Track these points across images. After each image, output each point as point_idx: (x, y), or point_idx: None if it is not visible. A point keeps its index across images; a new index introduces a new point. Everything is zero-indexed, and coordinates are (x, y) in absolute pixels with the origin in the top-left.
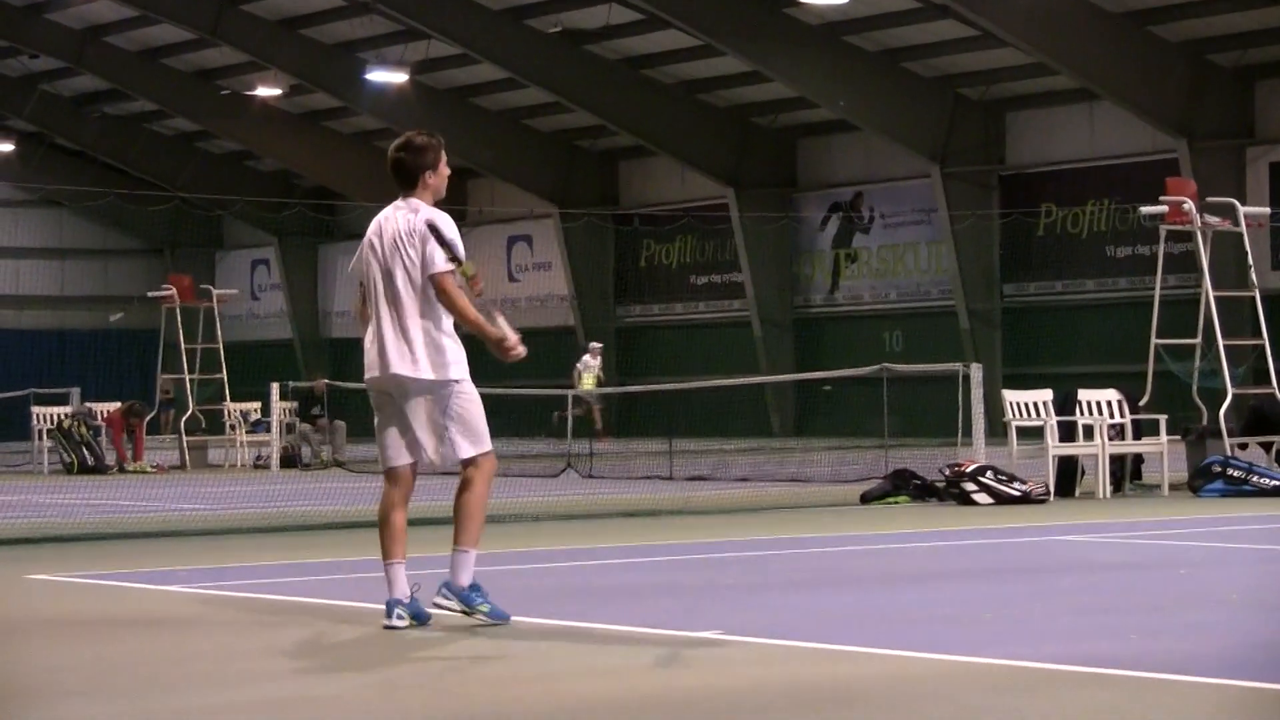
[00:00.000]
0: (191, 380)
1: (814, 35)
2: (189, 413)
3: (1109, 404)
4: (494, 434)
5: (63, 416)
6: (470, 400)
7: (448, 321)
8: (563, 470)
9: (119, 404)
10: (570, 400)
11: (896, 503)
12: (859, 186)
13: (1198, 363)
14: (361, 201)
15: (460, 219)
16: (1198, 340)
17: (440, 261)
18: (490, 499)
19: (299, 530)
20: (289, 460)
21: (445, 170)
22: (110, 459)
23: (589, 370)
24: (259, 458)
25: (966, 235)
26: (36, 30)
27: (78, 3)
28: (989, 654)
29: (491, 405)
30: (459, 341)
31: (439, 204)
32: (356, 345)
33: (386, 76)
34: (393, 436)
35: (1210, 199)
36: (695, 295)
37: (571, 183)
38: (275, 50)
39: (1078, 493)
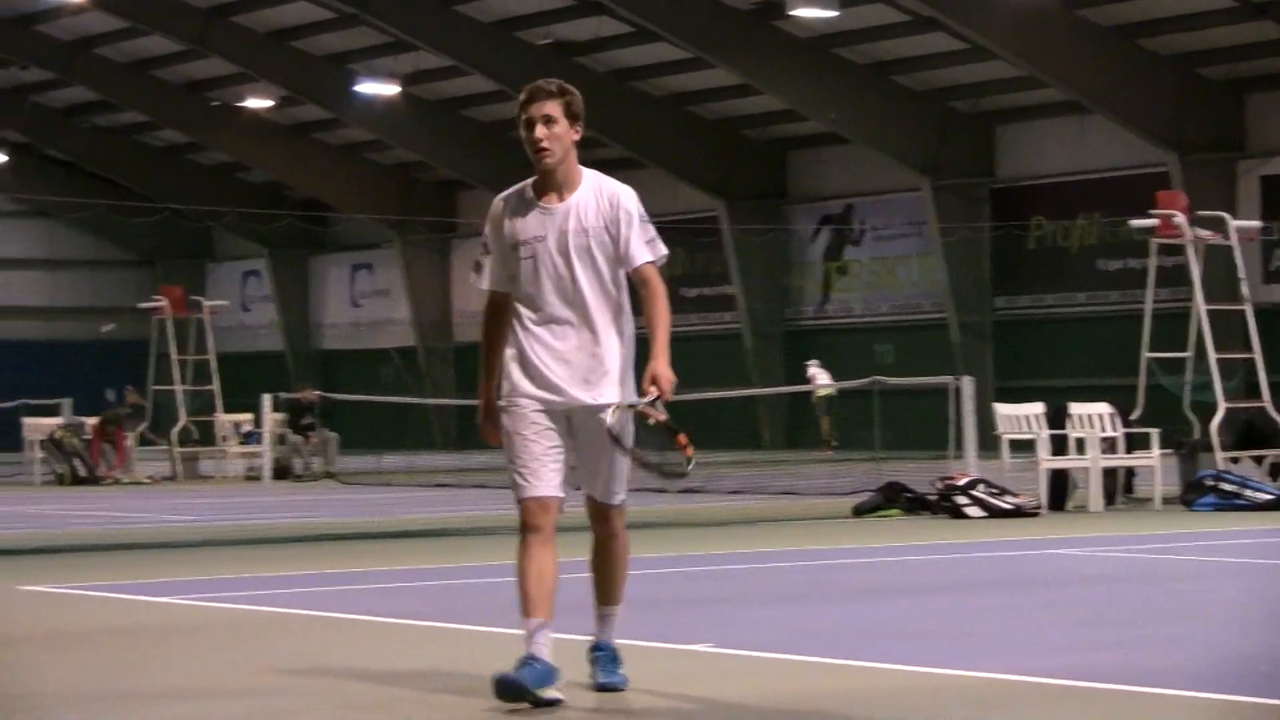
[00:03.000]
0: (184, 391)
1: (804, 48)
2: (182, 424)
3: (1101, 417)
4: (486, 445)
5: (54, 428)
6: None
7: (512, 337)
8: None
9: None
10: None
11: (889, 516)
12: (849, 199)
13: (1189, 376)
14: (351, 213)
15: (452, 231)
16: (1189, 354)
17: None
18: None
19: (291, 542)
20: (281, 472)
21: (526, 131)
22: (102, 470)
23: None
24: (251, 469)
25: (957, 248)
26: (27, 41)
27: (68, 14)
28: (977, 667)
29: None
30: (515, 360)
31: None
32: (347, 356)
33: (376, 88)
34: None
35: (1201, 212)
36: (686, 308)
37: None
38: (265, 62)
39: (1070, 506)
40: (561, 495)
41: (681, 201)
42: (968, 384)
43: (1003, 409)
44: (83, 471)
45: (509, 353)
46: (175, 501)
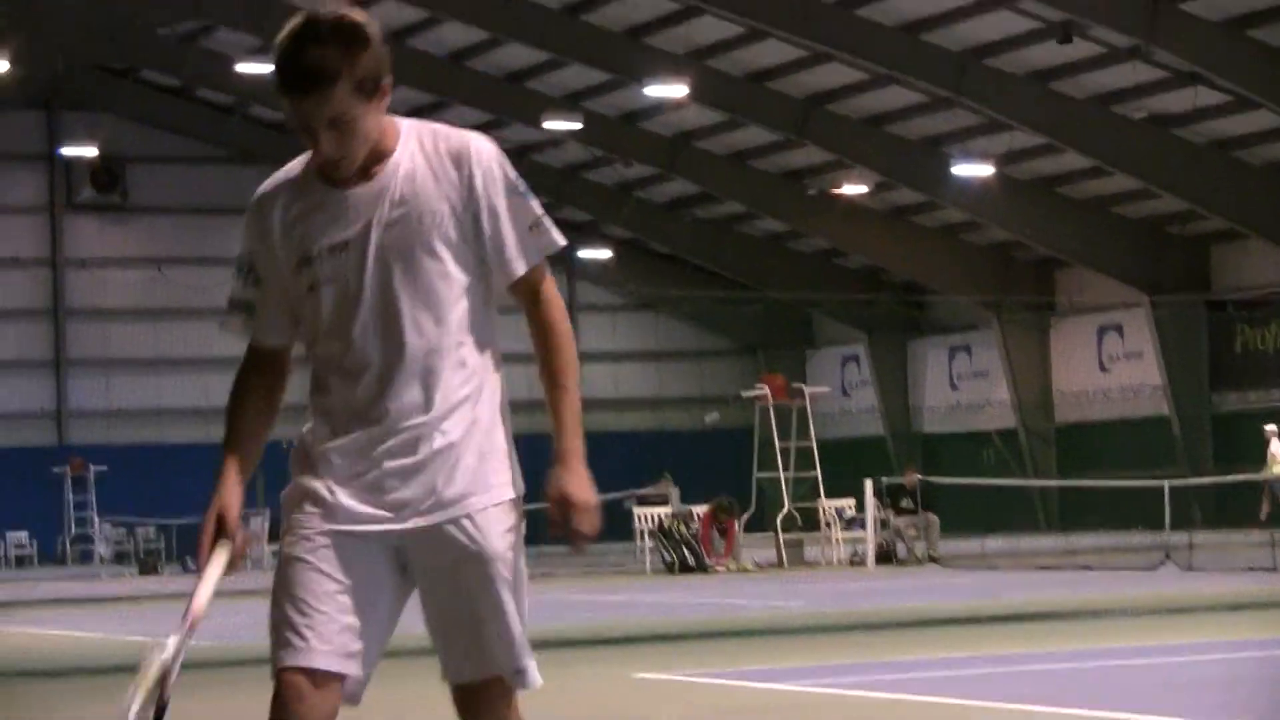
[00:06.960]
0: (787, 478)
1: None
2: (785, 510)
3: None
4: (1093, 526)
5: (664, 516)
6: None
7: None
8: (1161, 563)
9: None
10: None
11: None
12: None
13: None
14: (948, 295)
15: (1050, 309)
16: None
17: None
18: None
19: (897, 626)
20: (884, 556)
21: (301, 133)
22: (712, 558)
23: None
24: (855, 554)
25: None
26: (630, 139)
27: (669, 110)
28: None
29: (1083, 495)
30: (299, 456)
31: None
32: (947, 439)
33: (971, 170)
34: None
35: None
36: None
37: (1161, 269)
38: (861, 148)
39: None
40: (348, 673)
41: None
42: None
43: None
44: (692, 560)
45: (301, 437)
46: (782, 587)
